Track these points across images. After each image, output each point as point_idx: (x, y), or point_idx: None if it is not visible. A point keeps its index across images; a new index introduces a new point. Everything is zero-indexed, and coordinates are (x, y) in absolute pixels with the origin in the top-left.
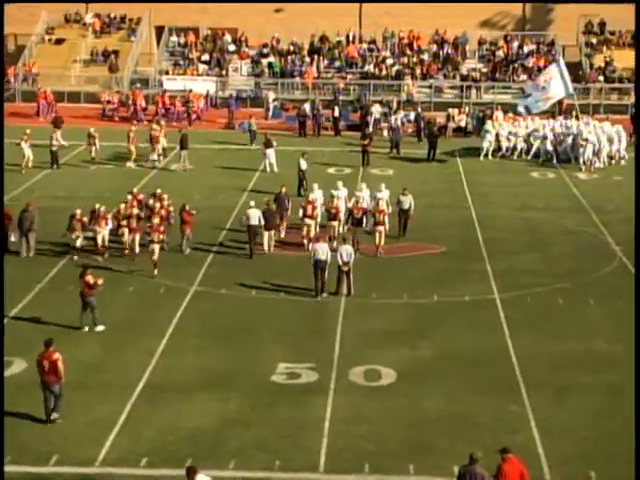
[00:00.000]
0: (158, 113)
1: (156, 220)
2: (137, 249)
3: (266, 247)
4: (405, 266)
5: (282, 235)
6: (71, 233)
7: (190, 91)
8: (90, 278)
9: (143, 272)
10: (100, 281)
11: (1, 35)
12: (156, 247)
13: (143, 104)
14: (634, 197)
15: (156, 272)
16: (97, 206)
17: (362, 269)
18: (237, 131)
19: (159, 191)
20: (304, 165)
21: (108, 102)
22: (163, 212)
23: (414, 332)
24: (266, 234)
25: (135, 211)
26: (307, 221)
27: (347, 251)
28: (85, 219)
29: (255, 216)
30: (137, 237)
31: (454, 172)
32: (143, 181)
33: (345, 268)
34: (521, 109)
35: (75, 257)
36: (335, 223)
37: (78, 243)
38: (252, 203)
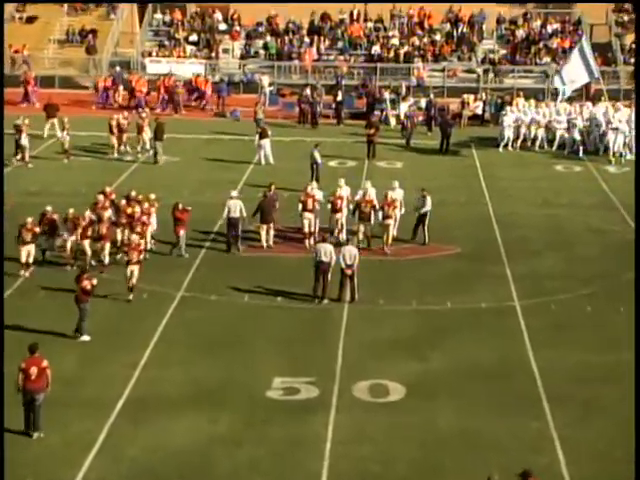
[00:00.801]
0: (161, 99)
1: (135, 237)
2: (107, 259)
3: (264, 241)
4: (415, 269)
5: (270, 243)
6: (21, 246)
7: (198, 76)
8: (87, 283)
9: (117, 295)
10: (94, 281)
11: (1, 35)
12: (135, 269)
13: (144, 90)
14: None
15: (131, 297)
16: (71, 211)
17: (367, 272)
18: (228, 119)
19: (134, 193)
20: (319, 158)
21: (106, 88)
22: (145, 219)
23: (425, 342)
24: (264, 228)
25: (107, 214)
26: (307, 215)
27: (351, 253)
28: (37, 229)
29: (236, 207)
30: (107, 246)
31: (469, 165)
32: (123, 176)
33: (348, 272)
34: (565, 92)
35: (26, 273)
36: (339, 215)
37: (28, 258)
38: (233, 193)
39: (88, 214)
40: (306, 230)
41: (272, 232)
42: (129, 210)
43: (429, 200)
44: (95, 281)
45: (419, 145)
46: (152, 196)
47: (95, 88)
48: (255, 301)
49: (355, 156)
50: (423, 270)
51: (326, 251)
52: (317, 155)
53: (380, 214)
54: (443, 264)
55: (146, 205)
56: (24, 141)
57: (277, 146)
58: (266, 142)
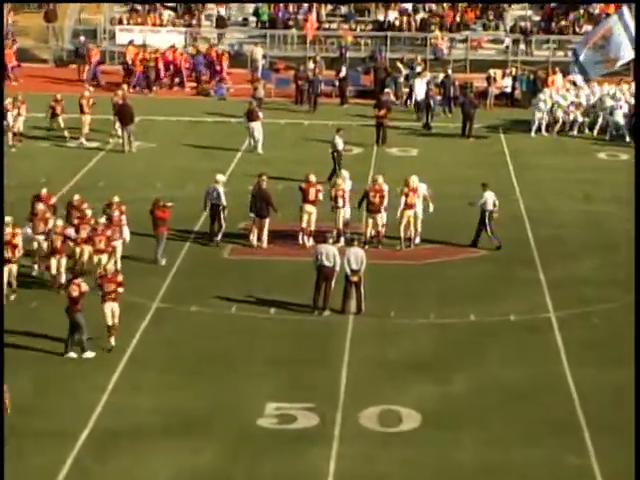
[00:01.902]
0: (137, 77)
1: (110, 265)
2: (63, 277)
3: (255, 240)
4: (433, 275)
5: (264, 245)
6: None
7: (211, 46)
8: (74, 288)
9: (93, 340)
10: (83, 287)
11: (1, 35)
12: (115, 307)
13: (161, 66)
14: None
15: (113, 342)
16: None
17: (376, 279)
18: (212, 98)
19: (117, 199)
20: (340, 144)
21: (99, 63)
22: (110, 233)
23: (444, 362)
24: (260, 223)
25: (59, 223)
26: (307, 208)
27: (356, 255)
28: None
29: (219, 193)
30: (63, 261)
31: (497, 152)
32: (90, 165)
33: (354, 278)
34: (576, 76)
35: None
36: (341, 212)
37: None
38: (218, 177)
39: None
40: (304, 225)
41: (266, 231)
42: (115, 213)
43: (490, 197)
44: (85, 287)
45: (437, 129)
46: (115, 198)
47: (87, 63)
48: (244, 313)
49: (362, 142)
50: (442, 276)
51: (329, 254)
52: (339, 141)
53: (402, 203)
54: (466, 269)
55: (116, 214)
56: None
57: (270, 130)
58: (256, 126)
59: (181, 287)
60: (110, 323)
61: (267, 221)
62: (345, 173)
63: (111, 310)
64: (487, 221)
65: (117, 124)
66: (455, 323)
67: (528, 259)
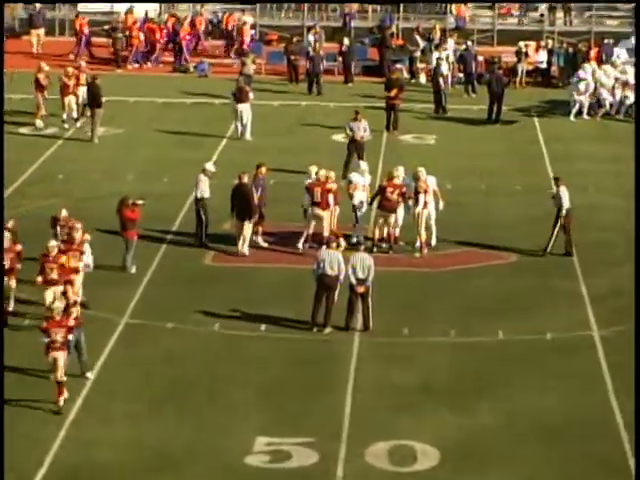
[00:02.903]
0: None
1: (58, 304)
2: (12, 304)
3: (240, 245)
4: (454, 285)
5: (245, 251)
6: None
7: (229, 15)
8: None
9: (40, 403)
10: (77, 298)
11: (1, 35)
12: (60, 357)
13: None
14: None
15: (62, 402)
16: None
17: (387, 290)
18: (192, 75)
19: (65, 213)
20: (361, 130)
21: (88, 34)
22: (75, 264)
23: (467, 388)
24: (240, 226)
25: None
26: (316, 211)
27: (363, 262)
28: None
29: (205, 185)
30: (13, 284)
31: (530, 140)
32: (44, 156)
33: (360, 289)
34: (621, 50)
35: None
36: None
37: None
38: (207, 165)
39: None
40: (309, 231)
41: (251, 231)
42: (77, 233)
43: (564, 192)
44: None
45: (458, 112)
46: (78, 225)
47: (76, 35)
48: (230, 330)
49: (372, 126)
50: (465, 287)
51: (332, 261)
52: (358, 128)
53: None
54: (493, 278)
55: (77, 234)
56: None
57: (261, 113)
58: (244, 108)
59: (155, 300)
60: (58, 379)
61: (247, 224)
62: (364, 165)
63: (55, 362)
64: (558, 221)
65: (69, 103)
66: (480, 342)
67: (567, 267)
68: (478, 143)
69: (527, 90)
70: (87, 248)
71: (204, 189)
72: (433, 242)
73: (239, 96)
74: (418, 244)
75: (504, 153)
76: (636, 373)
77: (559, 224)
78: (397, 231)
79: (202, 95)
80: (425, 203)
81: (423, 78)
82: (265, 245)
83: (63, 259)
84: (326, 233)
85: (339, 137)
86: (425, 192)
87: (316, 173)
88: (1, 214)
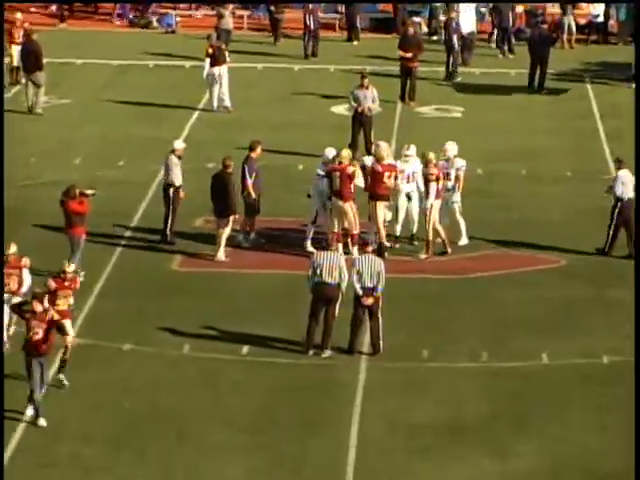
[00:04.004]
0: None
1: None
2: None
3: (217, 248)
4: (487, 296)
5: (221, 256)
6: None
7: None
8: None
9: None
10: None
11: (1, 35)
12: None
13: None
14: None
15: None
16: None
17: (401, 302)
18: (156, 31)
19: (26, 260)
20: (368, 99)
21: None
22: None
23: (504, 426)
24: (218, 224)
25: None
26: (338, 204)
27: (371, 267)
28: None
29: (178, 169)
30: None
31: (582, 112)
32: None
33: (368, 301)
34: None
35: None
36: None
37: None
38: (177, 144)
39: None
40: (329, 227)
41: (223, 235)
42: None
43: (628, 178)
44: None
45: (492, 77)
46: (12, 249)
47: None
48: (203, 353)
49: (381, 96)
50: (500, 297)
51: (331, 265)
52: (365, 96)
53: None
54: (535, 287)
55: (11, 252)
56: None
57: (243, 79)
58: (221, 72)
59: (108, 314)
60: None
61: (226, 223)
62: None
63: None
64: (617, 215)
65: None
66: (519, 368)
67: (626, 274)
68: (516, 117)
69: (578, 50)
70: (26, 276)
71: (176, 174)
72: (463, 241)
73: (215, 57)
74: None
75: (549, 130)
76: (636, 373)
77: (618, 218)
78: (398, 228)
79: (168, 56)
80: (438, 193)
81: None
82: (262, 241)
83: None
84: (356, 231)
85: (341, 109)
86: (437, 180)
87: (336, 157)
88: (1, 214)
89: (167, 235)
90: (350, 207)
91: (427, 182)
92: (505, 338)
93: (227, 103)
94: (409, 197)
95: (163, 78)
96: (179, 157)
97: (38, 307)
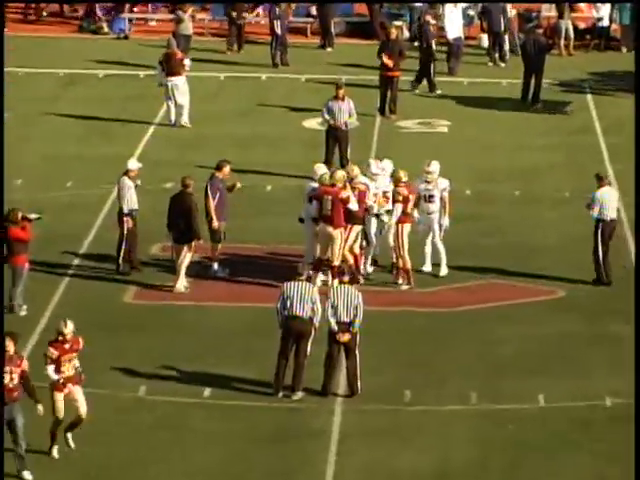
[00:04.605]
0: None
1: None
2: None
3: (177, 278)
4: (476, 331)
5: (180, 287)
6: None
7: None
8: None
9: None
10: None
11: (1, 35)
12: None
13: None
14: None
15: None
16: None
17: (381, 338)
18: (106, 35)
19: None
20: (344, 113)
21: None
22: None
23: (494, 474)
24: (179, 252)
25: None
26: (324, 229)
27: (347, 299)
28: None
29: (132, 193)
30: None
31: (581, 127)
32: None
33: (344, 338)
34: None
35: None
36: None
37: None
38: (131, 164)
39: None
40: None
41: (183, 264)
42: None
43: (609, 195)
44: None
45: (482, 88)
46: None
47: None
48: (161, 396)
49: (357, 110)
50: (491, 333)
51: (303, 297)
52: (339, 109)
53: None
54: (530, 321)
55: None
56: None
57: (204, 89)
58: (179, 83)
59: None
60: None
61: (186, 250)
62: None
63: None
64: (600, 239)
65: None
66: (510, 410)
67: (629, 307)
68: (509, 132)
69: (578, 57)
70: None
71: (131, 198)
72: (442, 271)
73: (172, 65)
74: (399, 274)
75: (545, 146)
76: (636, 373)
77: (601, 241)
78: (370, 252)
79: (120, 64)
80: (406, 216)
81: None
82: (224, 275)
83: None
84: (337, 262)
85: (313, 123)
86: (406, 201)
87: (330, 178)
88: (1, 214)
89: (120, 264)
90: (340, 234)
91: (394, 202)
92: (497, 378)
93: (185, 119)
94: (378, 217)
95: (115, 89)
96: (133, 178)
97: (10, 347)
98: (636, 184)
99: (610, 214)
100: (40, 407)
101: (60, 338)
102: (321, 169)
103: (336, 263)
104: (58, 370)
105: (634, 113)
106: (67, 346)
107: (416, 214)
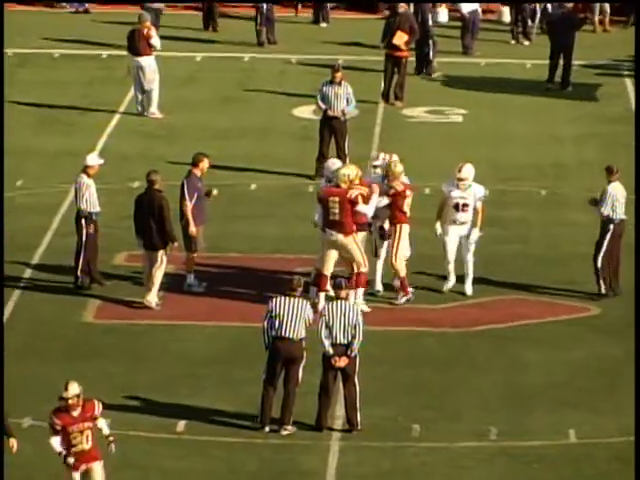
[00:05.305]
0: None
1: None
2: None
3: (148, 290)
4: (499, 354)
5: (152, 300)
6: None
7: None
8: None
9: None
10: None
11: (1, 35)
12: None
13: None
14: None
15: None
16: None
17: (385, 362)
18: (64, 9)
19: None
20: (341, 100)
21: None
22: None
23: None
24: (150, 259)
25: None
26: (332, 238)
27: (344, 317)
28: None
29: (92, 192)
30: None
31: (618, 116)
32: None
33: (340, 362)
34: None
35: None
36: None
37: None
38: (91, 159)
39: None
40: (325, 272)
41: (157, 274)
42: None
43: (617, 192)
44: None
45: (503, 69)
46: (73, 388)
47: None
48: (126, 431)
49: (357, 96)
50: (515, 357)
51: (293, 315)
52: (336, 95)
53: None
54: (559, 343)
55: None
56: None
57: (178, 72)
58: (147, 64)
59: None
60: None
61: (161, 257)
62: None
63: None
64: (606, 240)
65: None
66: (536, 448)
67: None
68: (533, 122)
69: (614, 34)
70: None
71: (90, 199)
72: (468, 290)
73: (137, 43)
74: (397, 282)
75: (576, 138)
76: (636, 373)
77: (608, 244)
78: (400, 268)
79: (79, 43)
80: (404, 215)
81: (444, 14)
82: (200, 289)
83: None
84: (364, 269)
85: (305, 111)
86: (400, 197)
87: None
88: (1, 214)
89: (78, 277)
90: (354, 241)
91: (381, 195)
92: (520, 410)
93: (154, 108)
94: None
95: (73, 71)
96: (93, 177)
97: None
98: (636, 184)
99: (620, 213)
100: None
101: (63, 405)
102: (334, 164)
103: (363, 270)
104: (68, 445)
105: (634, 113)
106: (76, 414)
107: (438, 227)
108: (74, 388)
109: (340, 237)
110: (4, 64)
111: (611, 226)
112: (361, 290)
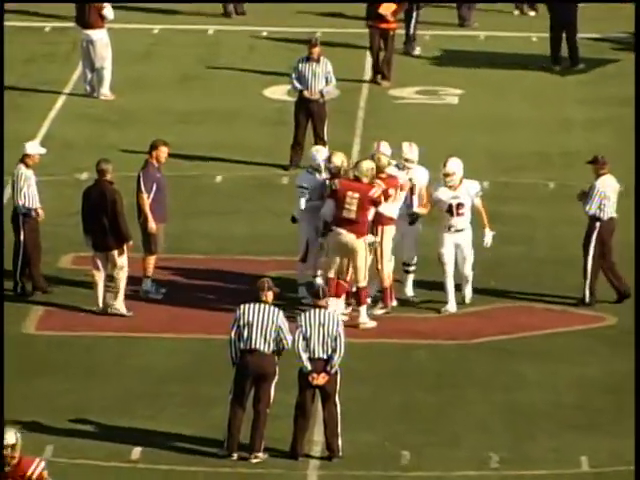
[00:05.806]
0: None
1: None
2: None
3: (100, 297)
4: (501, 369)
5: (120, 308)
6: None
7: None
8: None
9: None
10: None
11: (1, 35)
12: None
13: None
14: None
15: None
16: None
17: (371, 379)
18: None
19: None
20: (319, 80)
21: None
22: None
23: None
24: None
25: None
26: (342, 239)
27: (324, 327)
28: None
29: (31, 185)
30: None
31: (624, 97)
32: None
33: (319, 380)
34: None
35: None
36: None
37: None
38: (30, 148)
39: None
40: (331, 275)
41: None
42: None
43: (611, 186)
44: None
45: (504, 43)
46: (10, 437)
47: None
48: (74, 458)
49: (339, 74)
50: (519, 372)
51: (264, 324)
52: (313, 73)
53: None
54: (569, 358)
55: None
56: None
57: (133, 47)
58: (97, 38)
59: None
60: None
61: (119, 258)
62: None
63: None
64: (593, 241)
65: None
66: (545, 477)
67: None
68: (540, 104)
69: (629, 5)
70: None
71: (29, 193)
72: (468, 297)
73: (87, 15)
74: (375, 289)
75: (586, 122)
76: (636, 373)
77: (595, 246)
78: (386, 276)
79: (19, 14)
80: (387, 216)
81: None
82: (158, 296)
83: None
84: (363, 283)
85: (278, 92)
86: (387, 196)
87: (350, 167)
88: (1, 212)
89: (17, 282)
90: (365, 247)
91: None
92: (525, 433)
93: (105, 88)
94: (413, 223)
95: (11, 47)
96: (32, 167)
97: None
98: (636, 182)
99: (609, 212)
100: None
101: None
102: (321, 152)
103: (363, 284)
104: None
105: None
106: (8, 469)
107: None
108: (10, 437)
109: (351, 238)
110: None
111: (597, 224)
112: (364, 307)
